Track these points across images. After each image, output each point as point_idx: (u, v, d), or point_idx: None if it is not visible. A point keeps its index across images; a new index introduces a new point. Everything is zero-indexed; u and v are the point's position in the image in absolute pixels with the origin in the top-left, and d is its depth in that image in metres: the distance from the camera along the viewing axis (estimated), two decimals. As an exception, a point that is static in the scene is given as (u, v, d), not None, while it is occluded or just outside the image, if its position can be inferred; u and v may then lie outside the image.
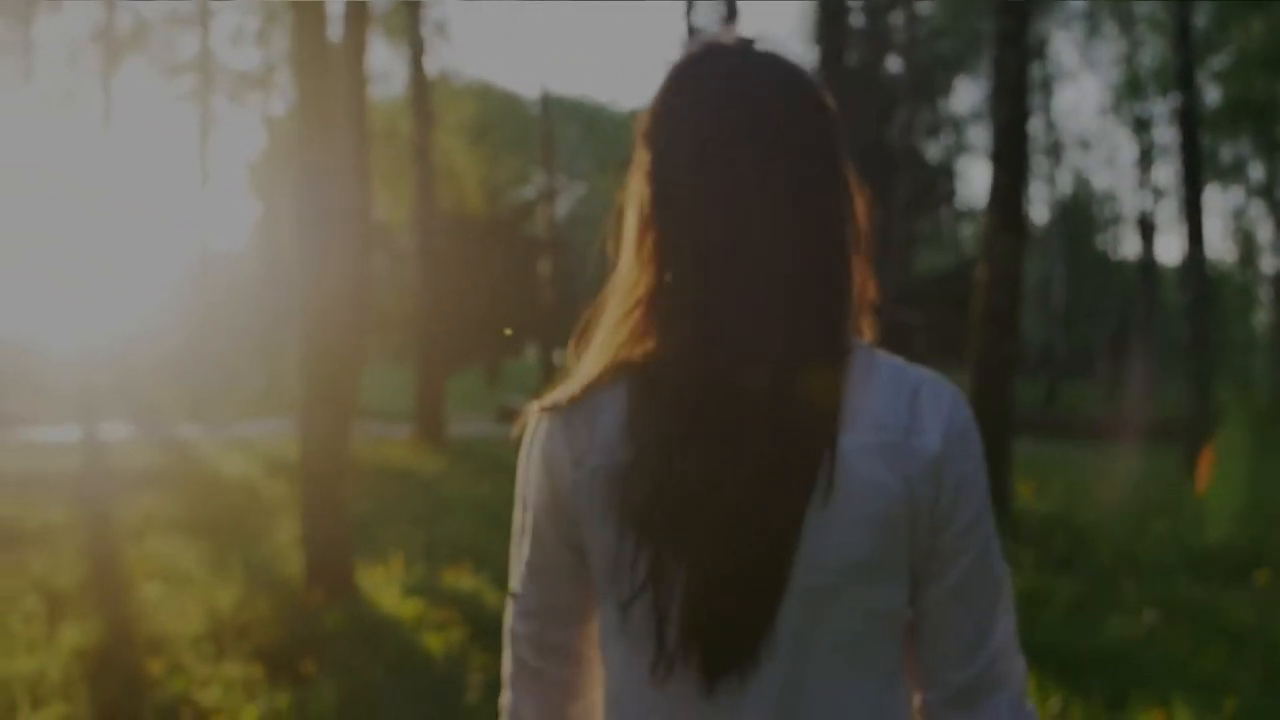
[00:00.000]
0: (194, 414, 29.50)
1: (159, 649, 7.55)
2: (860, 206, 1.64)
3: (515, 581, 1.72)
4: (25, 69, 32.94)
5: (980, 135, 53.53)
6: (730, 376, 1.50)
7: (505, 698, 1.77)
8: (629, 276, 1.60)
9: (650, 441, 1.51)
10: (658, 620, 1.52)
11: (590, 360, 1.61)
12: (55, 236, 34.34)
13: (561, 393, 1.62)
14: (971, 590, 1.59)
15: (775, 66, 1.60)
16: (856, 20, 45.43)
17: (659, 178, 1.58)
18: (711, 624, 1.50)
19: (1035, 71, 43.28)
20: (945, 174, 55.71)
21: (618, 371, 1.58)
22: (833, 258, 1.58)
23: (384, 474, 16.87)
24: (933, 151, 54.61)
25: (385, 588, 9.24)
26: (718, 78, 1.58)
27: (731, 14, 23.16)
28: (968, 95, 64.95)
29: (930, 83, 50.38)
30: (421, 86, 22.04)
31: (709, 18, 32.51)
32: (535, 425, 1.65)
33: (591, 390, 1.59)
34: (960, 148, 56.19)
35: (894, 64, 48.95)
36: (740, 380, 1.49)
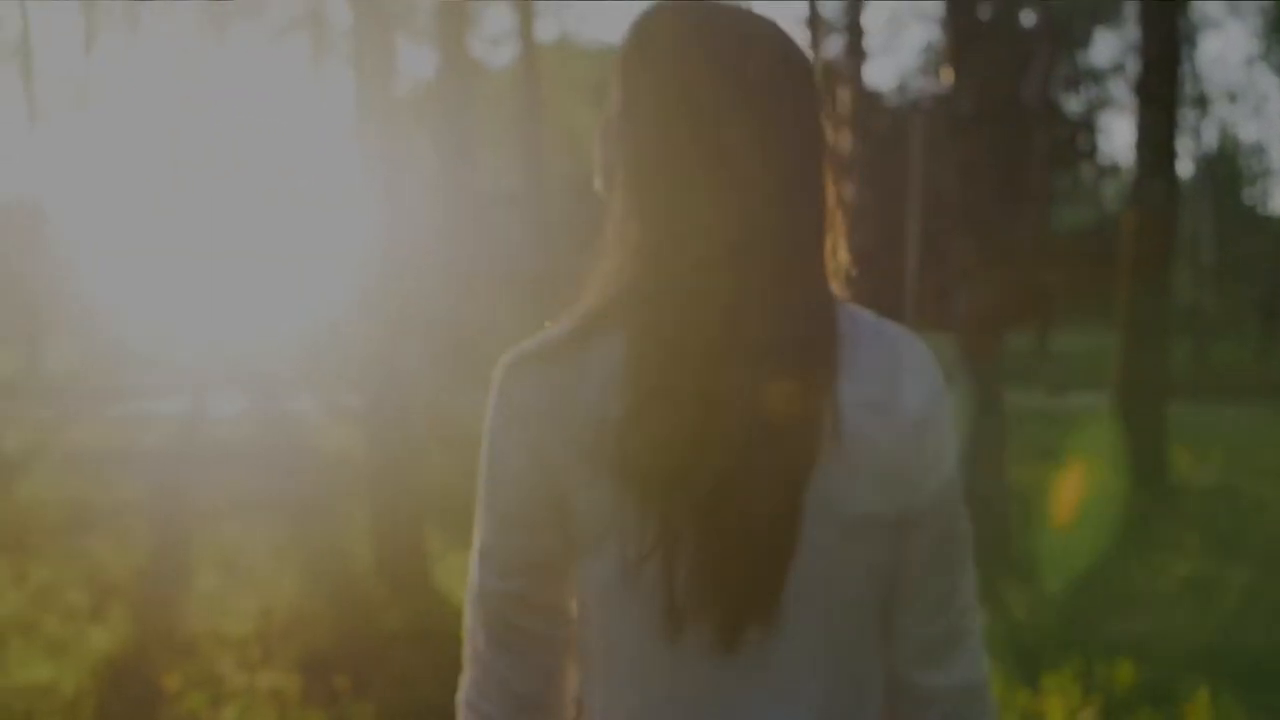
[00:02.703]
0: (310, 384, 28.95)
1: (195, 653, 6.75)
2: (831, 172, 1.63)
3: (487, 537, 1.62)
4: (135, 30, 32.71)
5: (1121, 88, 52.04)
6: (725, 330, 1.48)
7: (476, 671, 1.65)
8: (615, 228, 1.58)
9: (648, 395, 1.47)
10: (666, 578, 1.49)
11: (572, 311, 1.58)
12: (178, 205, 34.24)
13: (539, 342, 1.58)
14: (944, 548, 1.61)
15: (763, 25, 1.59)
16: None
17: (638, 126, 1.57)
18: (725, 580, 1.48)
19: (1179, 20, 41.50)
20: (1085, 128, 54.13)
21: (603, 322, 1.54)
22: (819, 214, 1.58)
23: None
24: (1072, 105, 53.02)
25: (459, 579, 8.31)
26: (696, 25, 1.57)
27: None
28: (1107, 47, 63.07)
29: (1068, 34, 48.69)
30: (529, 45, 21.22)
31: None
32: (508, 375, 1.59)
33: (575, 339, 1.54)
34: (1101, 101, 54.55)
35: (1028, 17, 47.59)
36: (736, 334, 1.48)
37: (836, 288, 1.62)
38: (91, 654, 6.71)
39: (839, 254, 1.63)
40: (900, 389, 1.55)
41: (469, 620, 1.65)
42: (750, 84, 1.53)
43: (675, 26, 1.57)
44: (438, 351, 18.33)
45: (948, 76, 8.93)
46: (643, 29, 1.60)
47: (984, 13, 42.52)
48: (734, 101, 1.52)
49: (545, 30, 46.51)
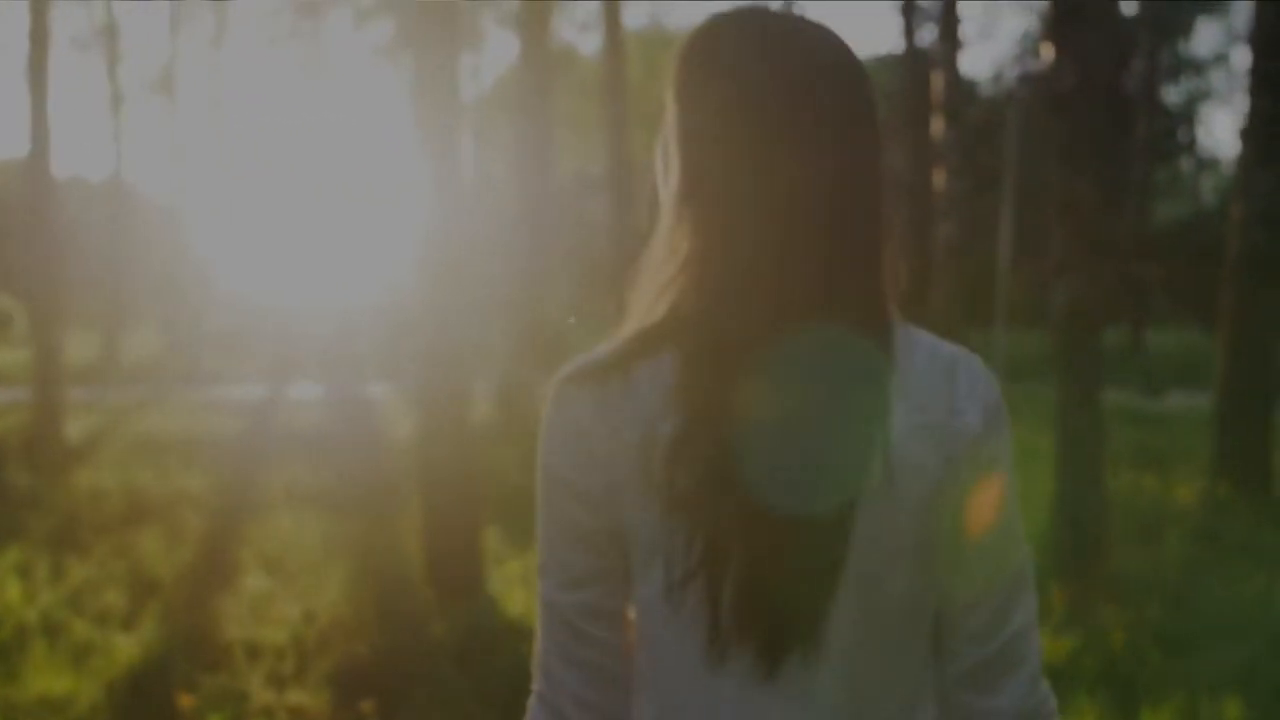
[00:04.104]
0: (390, 370, 28.70)
1: (225, 664, 6.31)
2: (889, 186, 1.60)
3: (547, 552, 1.61)
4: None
5: (1222, 79, 50.87)
6: (778, 354, 1.47)
7: (543, 684, 1.62)
8: (667, 241, 1.57)
9: (698, 416, 1.46)
10: (710, 601, 1.49)
11: (626, 327, 1.58)
12: (262, 196, 34.22)
13: (593, 359, 1.57)
14: (999, 574, 1.58)
15: (826, 40, 1.56)
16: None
17: (696, 141, 1.55)
18: (769, 607, 1.48)
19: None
20: (1185, 120, 52.96)
21: (657, 341, 1.53)
22: (875, 236, 1.54)
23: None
24: (1172, 96, 51.86)
25: (519, 586, 7.83)
26: (758, 39, 1.54)
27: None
28: (1210, 37, 61.79)
29: (1170, 24, 47.57)
30: (615, 31, 20.79)
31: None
32: (562, 392, 1.58)
33: (628, 358, 1.54)
34: (1201, 93, 53.32)
35: (1128, 7, 46.62)
36: (790, 361, 1.46)
37: (895, 309, 1.57)
38: (115, 664, 6.31)
39: (898, 276, 1.58)
40: (960, 412, 1.54)
41: (539, 631, 1.63)
42: (808, 98, 1.51)
43: (735, 39, 1.55)
44: (518, 337, 17.94)
45: (1049, 52, 8.40)
46: (701, 41, 1.58)
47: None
48: (792, 116, 1.50)
49: (633, 16, 46.18)
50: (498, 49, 66.19)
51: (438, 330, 7.74)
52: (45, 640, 6.73)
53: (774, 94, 1.50)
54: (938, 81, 19.49)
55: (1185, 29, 50.14)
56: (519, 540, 9.13)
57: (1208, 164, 57.49)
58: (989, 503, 1.56)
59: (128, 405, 20.12)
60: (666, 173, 1.60)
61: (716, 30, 1.58)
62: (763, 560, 1.46)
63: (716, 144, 1.52)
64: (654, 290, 1.57)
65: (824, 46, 1.55)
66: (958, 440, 1.53)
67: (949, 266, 17.99)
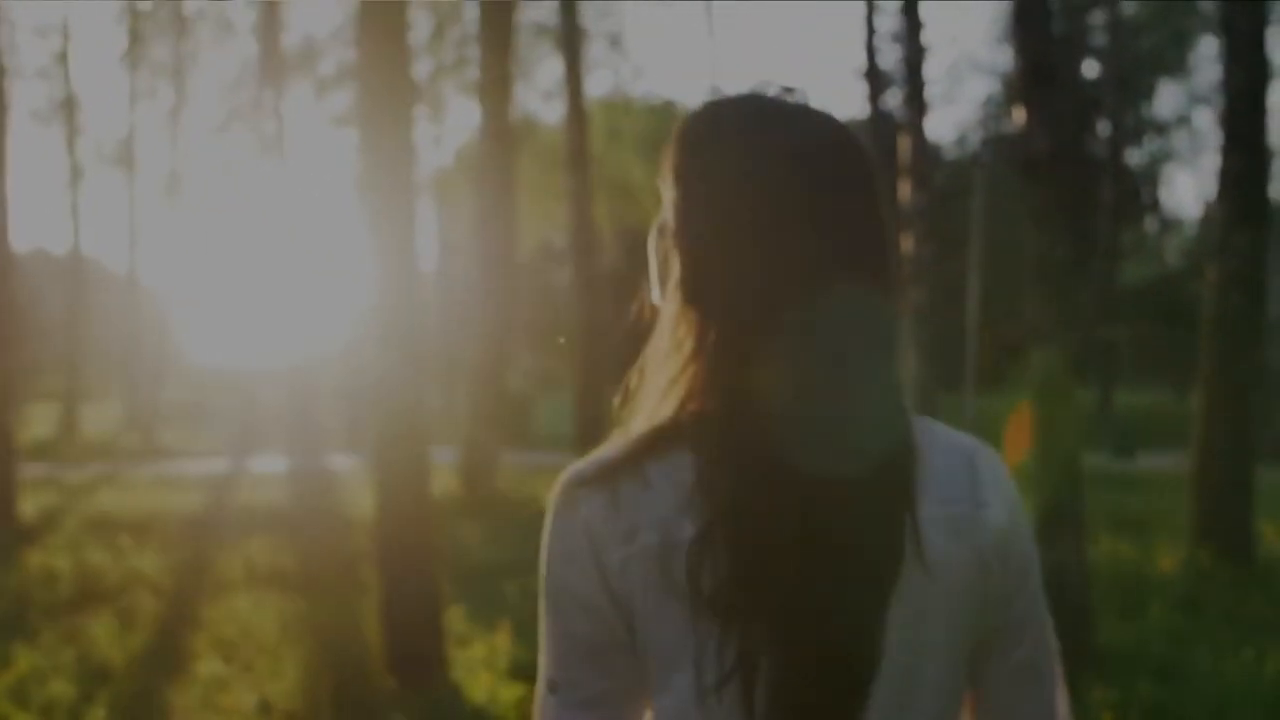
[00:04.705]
0: (354, 442, 28.37)
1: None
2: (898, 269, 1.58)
3: (555, 670, 1.52)
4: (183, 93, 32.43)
5: (1185, 140, 51.12)
6: (798, 450, 1.41)
7: None
8: (671, 333, 1.52)
9: (722, 517, 1.41)
10: (744, 705, 1.42)
11: (635, 425, 1.53)
12: (229, 263, 34.04)
13: (598, 461, 1.50)
14: (1038, 664, 1.57)
15: (818, 118, 1.53)
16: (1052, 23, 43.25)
17: (698, 222, 1.50)
18: (804, 706, 1.43)
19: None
20: (1149, 181, 53.26)
21: (669, 440, 1.48)
22: (889, 318, 1.51)
23: (532, 511, 15.10)
24: (1134, 158, 52.15)
25: (483, 670, 7.53)
26: (757, 117, 1.52)
27: (913, 19, 21.13)
28: (1171, 98, 62.24)
29: (1131, 86, 47.86)
30: (576, 93, 20.68)
31: (891, 22, 30.67)
32: (568, 496, 1.51)
33: (640, 458, 1.48)
34: (1164, 154, 53.65)
35: (1090, 68, 46.88)
36: (809, 454, 1.40)
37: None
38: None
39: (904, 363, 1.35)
40: (980, 506, 1.51)
41: None
42: (814, 183, 1.47)
43: (733, 118, 1.52)
44: (481, 407, 17.70)
45: (1020, 116, 8.22)
46: (700, 122, 1.55)
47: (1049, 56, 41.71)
48: (798, 202, 1.46)
49: (597, 84, 46.16)
50: (460, 118, 66.08)
51: (393, 403, 7.47)
52: (-16, 737, 6.43)
53: (776, 167, 1.47)
54: (904, 146, 19.37)
55: (1148, 91, 50.44)
56: (483, 619, 8.84)
57: (1172, 225, 57.86)
58: (1026, 595, 1.56)
59: (86, 481, 19.75)
60: (666, 261, 1.55)
61: (714, 111, 1.55)
62: (796, 661, 1.42)
63: (720, 224, 1.47)
64: (661, 385, 1.52)
65: (822, 122, 1.53)
66: (984, 532, 1.50)
67: (918, 332, 17.80)
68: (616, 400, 1.58)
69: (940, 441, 1.54)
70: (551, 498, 1.53)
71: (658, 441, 1.49)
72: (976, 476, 1.52)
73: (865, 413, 1.45)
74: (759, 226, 1.45)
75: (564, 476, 1.53)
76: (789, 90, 1.56)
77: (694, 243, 1.50)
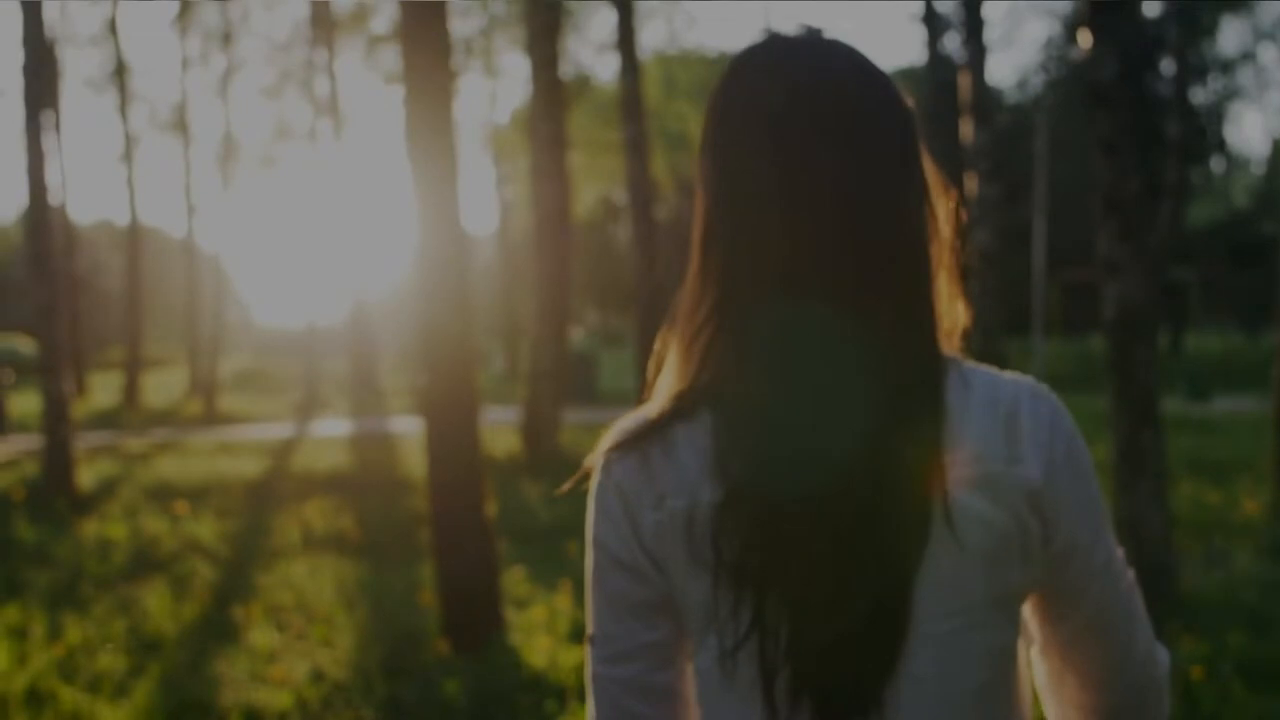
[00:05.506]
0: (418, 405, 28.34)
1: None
2: (943, 214, 1.52)
3: (599, 625, 1.52)
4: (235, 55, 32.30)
5: (1250, 78, 50.34)
6: (819, 408, 1.38)
7: None
8: (694, 291, 1.49)
9: (741, 482, 1.39)
10: (764, 674, 1.41)
11: (662, 388, 1.52)
12: (287, 226, 34.02)
13: (633, 426, 1.49)
14: (1106, 616, 1.49)
15: (849, 58, 1.47)
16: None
17: (722, 181, 1.46)
18: (826, 676, 1.40)
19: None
20: (1214, 120, 52.41)
21: (692, 401, 1.45)
22: (918, 259, 1.45)
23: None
24: (1199, 97, 51.29)
25: (542, 633, 7.29)
26: (787, 69, 1.45)
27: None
28: (1235, 35, 61.19)
29: (1195, 23, 47.01)
30: (629, 44, 20.34)
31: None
32: (608, 462, 1.49)
33: (667, 422, 1.46)
34: (1229, 92, 52.73)
35: (1152, 7, 46.10)
36: (832, 414, 1.38)
37: (950, 345, 1.50)
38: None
39: (955, 308, 1.53)
40: (1019, 460, 1.40)
41: (589, 706, 1.55)
42: (836, 117, 1.42)
43: (759, 62, 1.48)
44: (543, 364, 17.49)
45: (1086, 41, 7.85)
46: (731, 67, 1.52)
47: None
48: (819, 137, 1.41)
49: (651, 36, 45.69)
50: (514, 74, 66.09)
51: (443, 363, 7.21)
52: (30, 713, 6.24)
53: (792, 111, 1.42)
54: (964, 87, 18.96)
55: (1211, 27, 49.59)
56: (545, 579, 8.63)
57: (1239, 164, 56.96)
58: (1082, 550, 1.45)
59: (146, 449, 19.68)
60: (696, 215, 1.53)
61: (743, 57, 1.51)
62: (816, 629, 1.39)
63: (739, 165, 1.44)
64: (686, 341, 1.48)
65: (849, 64, 1.46)
66: (1018, 490, 1.39)
67: (986, 275, 17.40)
68: (650, 365, 1.55)
69: (980, 394, 1.44)
70: (595, 462, 1.52)
71: (682, 403, 1.46)
72: (1015, 429, 1.42)
73: (888, 367, 1.39)
74: (780, 169, 1.41)
75: (604, 441, 1.52)
76: (814, 31, 1.50)
77: (706, 190, 1.48)
